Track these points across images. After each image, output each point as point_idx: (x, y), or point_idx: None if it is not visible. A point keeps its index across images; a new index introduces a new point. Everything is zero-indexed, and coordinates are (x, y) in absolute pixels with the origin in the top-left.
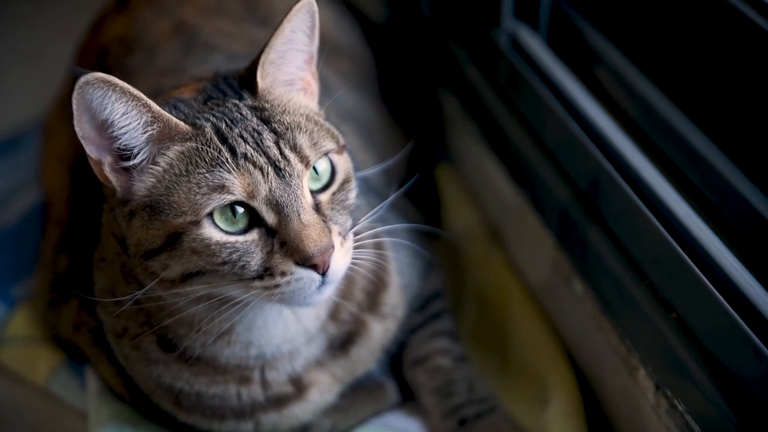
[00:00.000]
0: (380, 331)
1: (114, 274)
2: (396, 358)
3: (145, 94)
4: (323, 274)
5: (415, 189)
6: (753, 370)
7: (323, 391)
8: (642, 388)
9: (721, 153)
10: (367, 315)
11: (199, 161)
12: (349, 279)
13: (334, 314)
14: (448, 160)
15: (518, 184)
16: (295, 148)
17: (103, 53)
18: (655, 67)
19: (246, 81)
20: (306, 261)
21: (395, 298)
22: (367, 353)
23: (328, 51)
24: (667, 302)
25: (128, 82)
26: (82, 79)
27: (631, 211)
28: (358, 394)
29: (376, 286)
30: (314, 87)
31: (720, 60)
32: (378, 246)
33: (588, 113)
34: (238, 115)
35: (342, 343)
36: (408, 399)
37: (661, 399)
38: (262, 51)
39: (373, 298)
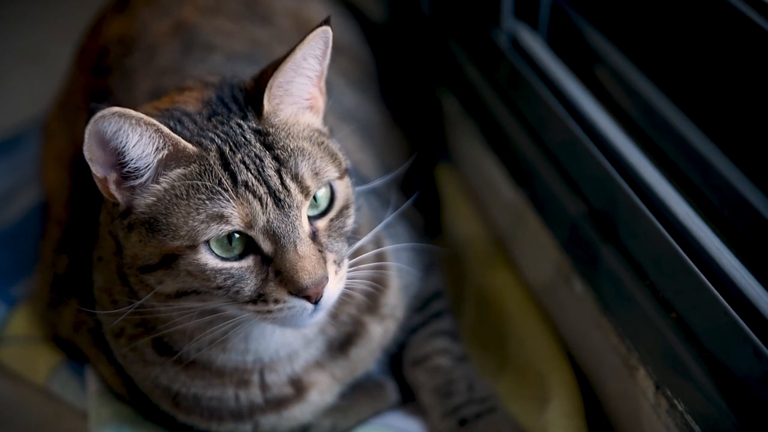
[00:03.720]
0: (380, 332)
1: (110, 274)
2: (396, 358)
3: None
4: (315, 303)
5: (415, 189)
6: (753, 369)
7: (323, 391)
8: (642, 388)
9: (721, 153)
10: (366, 316)
11: (200, 186)
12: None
13: (333, 316)
14: (448, 160)
15: (518, 184)
16: (296, 178)
17: (102, 53)
18: (655, 67)
19: (252, 99)
20: (299, 292)
21: (395, 299)
22: (367, 354)
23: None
24: (667, 302)
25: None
26: (98, 114)
27: (631, 211)
28: (357, 394)
29: (376, 288)
30: (320, 102)
31: (720, 60)
32: (379, 257)
33: (588, 113)
34: (242, 140)
35: (341, 344)
36: (408, 399)
37: (661, 399)
38: (271, 74)
39: (373, 300)
